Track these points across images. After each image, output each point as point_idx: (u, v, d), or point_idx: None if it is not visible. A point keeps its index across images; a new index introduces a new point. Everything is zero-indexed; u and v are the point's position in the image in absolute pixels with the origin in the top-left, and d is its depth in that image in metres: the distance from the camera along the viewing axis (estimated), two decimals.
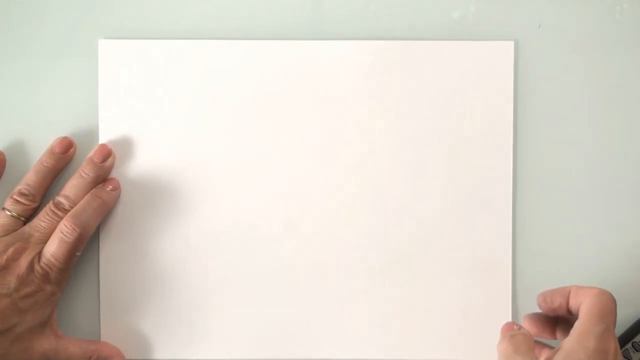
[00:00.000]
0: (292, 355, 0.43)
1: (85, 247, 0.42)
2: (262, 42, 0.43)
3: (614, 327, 0.36)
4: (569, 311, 0.38)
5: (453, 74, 0.43)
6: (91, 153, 0.42)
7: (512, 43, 0.43)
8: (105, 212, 0.42)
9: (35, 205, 0.42)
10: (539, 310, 0.41)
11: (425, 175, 0.43)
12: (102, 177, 0.42)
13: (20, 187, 0.41)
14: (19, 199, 0.41)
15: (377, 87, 0.43)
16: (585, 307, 0.36)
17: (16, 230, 0.41)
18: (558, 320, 0.40)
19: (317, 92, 0.43)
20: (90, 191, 0.42)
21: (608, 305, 0.36)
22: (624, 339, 0.42)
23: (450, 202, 0.43)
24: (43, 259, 0.39)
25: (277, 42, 0.43)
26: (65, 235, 0.40)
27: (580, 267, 0.44)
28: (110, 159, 0.42)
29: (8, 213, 0.41)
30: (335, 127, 0.43)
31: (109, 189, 0.42)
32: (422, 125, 0.43)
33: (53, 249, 0.39)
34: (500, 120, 0.43)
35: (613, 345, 0.35)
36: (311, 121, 0.43)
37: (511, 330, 0.39)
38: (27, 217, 0.42)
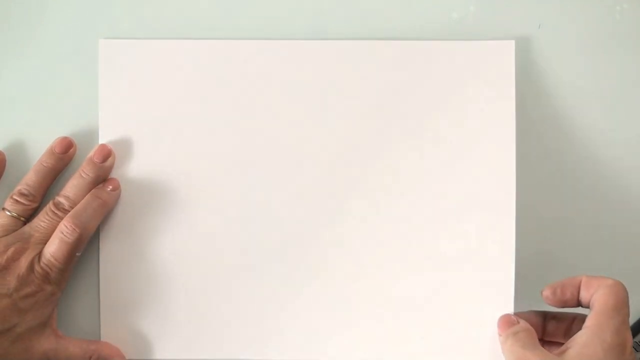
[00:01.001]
0: (292, 356, 0.43)
1: (85, 247, 0.41)
2: (263, 42, 0.43)
3: (629, 319, 0.35)
4: (579, 302, 0.37)
5: (454, 74, 0.42)
6: (91, 153, 0.42)
7: (513, 42, 0.43)
8: (105, 213, 0.42)
9: (35, 205, 0.42)
10: (537, 308, 0.40)
11: (426, 175, 0.43)
12: (102, 177, 0.42)
13: (20, 187, 0.41)
14: (18, 199, 0.41)
15: (377, 87, 0.43)
16: (600, 299, 0.35)
17: (16, 230, 0.41)
18: (547, 318, 0.40)
19: (319, 92, 0.43)
20: (91, 191, 0.41)
21: (623, 296, 0.35)
22: None
23: (452, 202, 0.42)
24: (43, 259, 0.39)
25: (277, 42, 0.43)
26: (65, 235, 0.40)
27: (580, 267, 0.44)
28: (110, 159, 0.42)
29: (8, 213, 0.41)
30: (335, 127, 0.43)
31: (109, 189, 0.42)
32: (423, 125, 0.43)
33: (53, 249, 0.39)
34: (502, 120, 0.42)
35: (629, 338, 0.34)
36: (313, 121, 0.43)
37: (511, 324, 0.39)
38: (27, 217, 0.42)
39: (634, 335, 0.42)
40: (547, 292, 0.38)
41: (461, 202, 0.42)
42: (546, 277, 0.41)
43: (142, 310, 0.43)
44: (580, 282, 0.37)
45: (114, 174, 0.43)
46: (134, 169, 0.43)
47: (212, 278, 0.43)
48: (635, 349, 0.42)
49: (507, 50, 0.42)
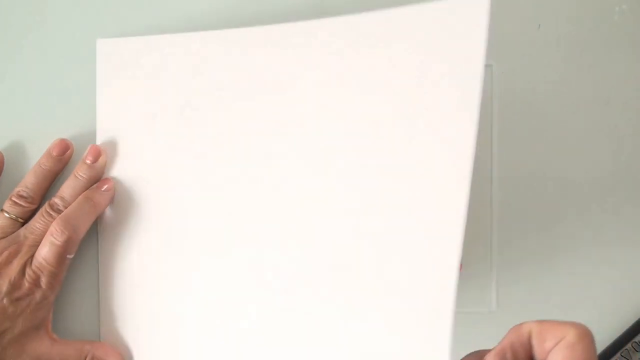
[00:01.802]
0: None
1: (83, 249, 0.41)
2: (263, 31, 0.41)
3: None
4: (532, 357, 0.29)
5: (416, 43, 0.36)
6: (84, 154, 0.42)
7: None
8: (97, 213, 0.42)
9: (34, 207, 0.42)
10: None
11: (387, 166, 0.37)
12: (96, 177, 0.42)
13: (19, 189, 0.42)
14: (17, 201, 0.41)
15: (335, 68, 0.39)
16: None
17: (14, 232, 0.41)
18: None
19: (322, 83, 0.40)
20: (83, 193, 0.41)
21: (589, 357, 0.26)
22: (624, 339, 0.41)
23: (396, 203, 0.37)
24: (35, 262, 0.39)
25: (274, 27, 0.40)
26: (54, 237, 0.39)
27: (577, 268, 0.43)
28: (101, 159, 0.42)
29: (7, 215, 0.41)
30: (322, 119, 0.40)
31: (102, 189, 0.42)
32: (386, 107, 0.37)
33: (44, 251, 0.39)
34: (467, 91, 0.34)
35: None
36: (313, 119, 0.41)
37: None
38: (26, 219, 0.42)
39: (634, 335, 0.41)
40: None
41: (406, 203, 0.36)
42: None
43: (142, 312, 0.42)
44: (530, 333, 0.28)
45: (113, 174, 0.43)
46: (133, 168, 0.43)
47: (212, 278, 0.42)
48: (635, 349, 0.41)
49: (478, 9, 0.35)
